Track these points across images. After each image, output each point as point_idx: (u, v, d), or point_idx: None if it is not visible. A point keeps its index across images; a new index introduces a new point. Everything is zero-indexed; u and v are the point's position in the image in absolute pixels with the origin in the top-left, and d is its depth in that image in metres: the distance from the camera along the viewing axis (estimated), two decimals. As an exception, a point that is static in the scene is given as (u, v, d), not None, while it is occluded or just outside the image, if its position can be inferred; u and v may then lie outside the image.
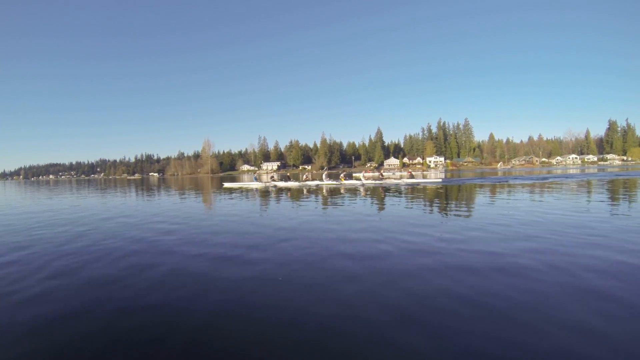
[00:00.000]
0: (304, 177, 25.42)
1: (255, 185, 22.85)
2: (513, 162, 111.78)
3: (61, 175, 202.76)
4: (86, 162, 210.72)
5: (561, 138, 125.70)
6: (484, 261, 3.94)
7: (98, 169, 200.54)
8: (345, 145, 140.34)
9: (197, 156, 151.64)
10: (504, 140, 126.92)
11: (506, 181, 21.15)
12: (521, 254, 4.22)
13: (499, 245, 4.71)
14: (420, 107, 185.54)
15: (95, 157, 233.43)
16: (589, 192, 12.61)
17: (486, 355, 2.11)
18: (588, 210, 7.84)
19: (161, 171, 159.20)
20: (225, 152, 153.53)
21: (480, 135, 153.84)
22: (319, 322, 2.59)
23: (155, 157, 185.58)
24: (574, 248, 4.43)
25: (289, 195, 14.70)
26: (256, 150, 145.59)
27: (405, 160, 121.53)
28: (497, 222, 6.50)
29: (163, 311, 2.87)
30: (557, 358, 2.06)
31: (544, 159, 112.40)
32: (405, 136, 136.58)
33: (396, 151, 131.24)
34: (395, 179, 24.59)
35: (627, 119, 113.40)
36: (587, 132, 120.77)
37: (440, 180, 23.17)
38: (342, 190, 16.21)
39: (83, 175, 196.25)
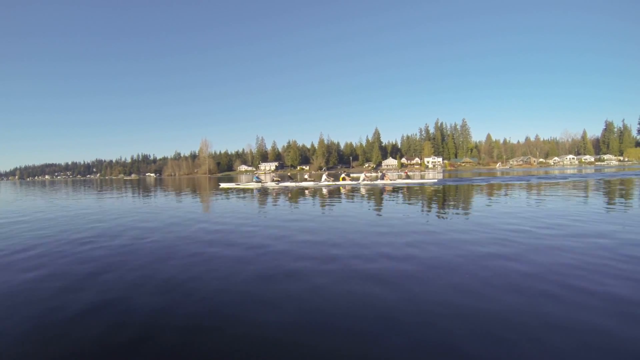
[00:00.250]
0: (322, 176, 24.57)
1: (271, 184, 22.08)
2: (511, 162, 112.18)
3: (57, 176, 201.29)
4: (82, 163, 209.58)
5: (558, 139, 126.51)
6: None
7: (94, 169, 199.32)
8: (342, 145, 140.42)
9: (194, 156, 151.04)
10: (501, 141, 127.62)
11: (528, 180, 20.70)
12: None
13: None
14: (417, 107, 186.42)
15: (91, 158, 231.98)
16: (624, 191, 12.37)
17: None
18: None
19: (158, 171, 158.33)
20: (222, 152, 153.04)
21: (477, 136, 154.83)
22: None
23: (152, 158, 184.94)
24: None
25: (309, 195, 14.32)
26: (254, 150, 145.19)
27: (404, 160, 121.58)
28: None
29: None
30: None
31: (541, 160, 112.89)
32: (403, 137, 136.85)
33: (393, 151, 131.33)
34: (392, 179, 24.39)
35: (623, 120, 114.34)
36: (584, 133, 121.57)
37: (436, 180, 23.24)
38: (342, 190, 15.94)
39: (79, 176, 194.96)
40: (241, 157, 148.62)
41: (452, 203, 10.11)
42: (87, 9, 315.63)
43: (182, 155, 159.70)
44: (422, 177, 30.74)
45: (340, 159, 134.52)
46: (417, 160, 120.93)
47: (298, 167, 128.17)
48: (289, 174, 34.36)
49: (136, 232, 6.43)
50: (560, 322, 2.35)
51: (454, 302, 2.73)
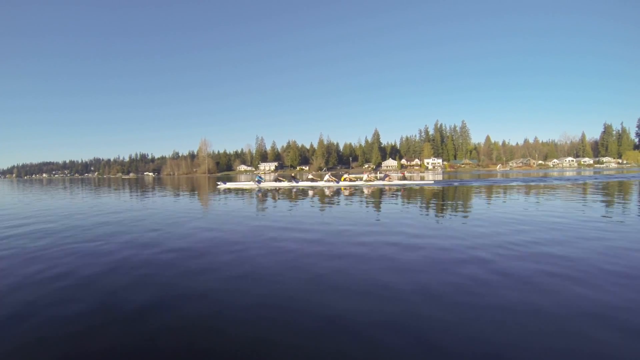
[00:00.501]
0: (325, 176, 24.29)
1: (281, 185, 21.78)
2: (510, 164, 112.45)
3: (54, 174, 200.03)
4: (80, 161, 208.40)
5: (556, 141, 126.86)
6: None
7: (92, 168, 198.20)
8: (341, 146, 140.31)
9: (192, 156, 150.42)
10: (500, 143, 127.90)
11: (544, 180, 20.70)
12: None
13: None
14: (416, 109, 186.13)
15: (89, 156, 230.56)
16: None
17: None
18: None
19: (156, 170, 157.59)
20: (221, 152, 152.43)
21: (476, 138, 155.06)
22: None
23: (150, 157, 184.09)
24: None
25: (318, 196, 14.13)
26: (253, 150, 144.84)
27: (403, 161, 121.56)
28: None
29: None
30: None
31: (540, 162, 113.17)
32: (402, 138, 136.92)
33: (393, 152, 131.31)
34: (391, 180, 24.30)
35: (622, 123, 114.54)
36: (583, 135, 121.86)
37: (433, 181, 23.25)
38: (344, 191, 15.77)
39: (77, 174, 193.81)
40: (240, 157, 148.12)
41: (491, 204, 9.94)
42: (86, 8, 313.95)
43: (180, 154, 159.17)
44: (421, 179, 30.65)
45: (340, 159, 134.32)
46: (416, 161, 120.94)
47: (298, 168, 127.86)
48: (292, 174, 33.96)
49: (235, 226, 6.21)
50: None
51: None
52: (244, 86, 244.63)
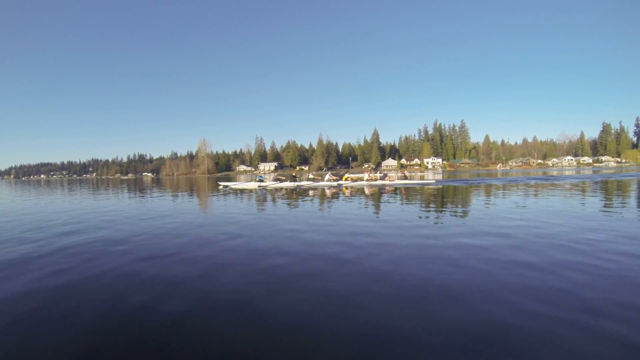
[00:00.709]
0: (325, 176, 24.08)
1: (287, 185, 21.56)
2: (510, 163, 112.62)
3: (53, 175, 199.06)
4: (78, 162, 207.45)
5: (555, 140, 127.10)
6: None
7: (90, 169, 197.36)
8: (340, 146, 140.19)
9: (191, 156, 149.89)
10: (499, 142, 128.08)
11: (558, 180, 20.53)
12: None
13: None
14: (415, 108, 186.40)
15: (87, 157, 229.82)
16: None
17: None
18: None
19: (155, 171, 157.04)
20: (220, 152, 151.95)
21: (475, 137, 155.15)
22: None
23: (148, 157, 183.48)
24: None
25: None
26: (252, 150, 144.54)
27: (403, 161, 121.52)
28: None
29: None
30: None
31: (540, 161, 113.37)
32: (401, 137, 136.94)
33: (392, 152, 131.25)
34: (392, 179, 24.15)
35: (620, 122, 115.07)
36: (582, 135, 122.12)
37: (434, 181, 23.15)
38: (345, 192, 15.58)
39: (75, 175, 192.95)
40: (240, 157, 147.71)
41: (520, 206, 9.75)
42: (83, 9, 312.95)
43: (178, 155, 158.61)
44: (421, 178, 30.50)
45: (339, 159, 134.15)
46: (416, 160, 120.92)
47: (297, 168, 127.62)
48: (293, 173, 33.74)
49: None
50: None
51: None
52: (242, 86, 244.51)
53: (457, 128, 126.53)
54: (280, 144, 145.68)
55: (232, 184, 22.89)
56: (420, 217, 7.16)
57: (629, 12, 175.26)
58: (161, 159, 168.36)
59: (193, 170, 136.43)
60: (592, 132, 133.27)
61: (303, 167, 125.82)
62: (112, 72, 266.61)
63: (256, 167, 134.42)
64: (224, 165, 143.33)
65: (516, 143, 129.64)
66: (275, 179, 23.60)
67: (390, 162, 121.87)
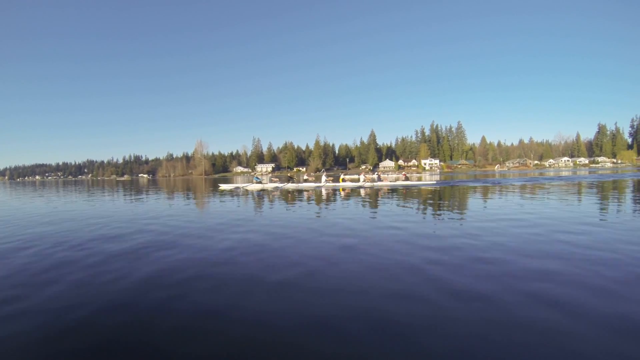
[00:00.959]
0: (322, 177, 23.87)
1: (297, 186, 21.24)
2: (508, 164, 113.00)
3: (47, 176, 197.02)
4: (73, 163, 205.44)
5: (551, 141, 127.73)
6: None
7: (85, 170, 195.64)
8: (337, 147, 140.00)
9: (187, 157, 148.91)
10: (495, 143, 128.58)
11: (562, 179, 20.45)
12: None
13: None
14: (411, 109, 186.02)
15: (82, 158, 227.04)
16: None
17: None
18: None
19: (151, 172, 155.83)
20: (217, 153, 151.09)
21: (471, 138, 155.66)
22: None
23: (144, 158, 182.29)
24: None
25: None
26: (249, 151, 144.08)
27: (401, 162, 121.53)
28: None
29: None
30: None
31: (536, 162, 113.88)
32: (397, 139, 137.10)
33: (389, 153, 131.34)
34: (391, 181, 23.98)
35: (615, 123, 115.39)
36: (578, 135, 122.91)
37: (435, 182, 23.10)
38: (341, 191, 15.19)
39: (70, 176, 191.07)
40: (237, 159, 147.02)
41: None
42: (79, 10, 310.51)
43: (174, 156, 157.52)
44: (418, 179, 30.26)
45: (336, 160, 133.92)
46: (414, 162, 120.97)
47: (295, 169, 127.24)
48: (289, 174, 33.57)
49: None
50: None
51: None
52: (239, 87, 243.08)
53: (453, 129, 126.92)
54: (277, 145, 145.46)
55: (242, 186, 22.80)
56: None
57: (624, 13, 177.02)
58: (157, 160, 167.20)
59: (190, 171, 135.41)
60: (588, 133, 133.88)
61: (300, 168, 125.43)
62: (107, 73, 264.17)
63: (253, 169, 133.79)
64: (221, 167, 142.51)
65: (512, 144, 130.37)
66: (270, 181, 23.48)
67: (387, 164, 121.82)
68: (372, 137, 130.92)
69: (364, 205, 10.13)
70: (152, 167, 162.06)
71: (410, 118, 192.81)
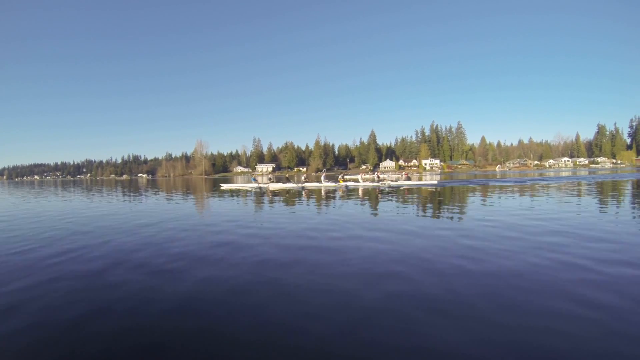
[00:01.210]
0: (321, 177, 24.03)
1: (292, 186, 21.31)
2: (508, 164, 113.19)
3: (46, 176, 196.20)
4: (72, 163, 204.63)
5: (550, 141, 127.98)
6: None
7: (84, 170, 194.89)
8: (337, 147, 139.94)
9: (187, 157, 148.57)
10: (495, 144, 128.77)
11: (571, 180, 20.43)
12: None
13: None
14: (411, 109, 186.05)
15: (80, 158, 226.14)
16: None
17: None
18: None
19: (150, 172, 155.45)
20: (217, 153, 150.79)
21: (471, 138, 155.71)
22: None
23: (143, 158, 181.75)
24: None
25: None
26: (248, 151, 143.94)
27: (401, 162, 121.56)
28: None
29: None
30: None
31: (536, 162, 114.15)
32: (397, 139, 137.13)
33: (388, 153, 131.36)
34: (392, 180, 24.07)
35: (615, 123, 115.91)
36: (577, 136, 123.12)
37: (437, 182, 23.35)
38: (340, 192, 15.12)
39: (69, 176, 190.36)
40: (237, 158, 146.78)
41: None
42: (77, 10, 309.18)
43: (173, 156, 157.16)
44: (419, 179, 30.27)
45: (336, 160, 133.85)
46: (414, 162, 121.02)
47: (295, 169, 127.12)
48: (286, 175, 33.74)
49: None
50: None
51: None
52: (239, 87, 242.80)
53: (453, 129, 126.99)
54: (277, 145, 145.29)
55: (247, 186, 23.07)
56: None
57: (624, 13, 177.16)
58: (156, 160, 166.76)
59: (189, 171, 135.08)
60: (587, 134, 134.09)
61: (301, 169, 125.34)
62: (107, 73, 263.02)
63: (253, 169, 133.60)
64: (221, 167, 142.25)
65: (512, 144, 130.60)
66: (269, 181, 23.91)
67: (388, 164, 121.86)
68: (372, 137, 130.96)
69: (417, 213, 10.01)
70: (151, 167, 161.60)
71: (410, 118, 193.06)
